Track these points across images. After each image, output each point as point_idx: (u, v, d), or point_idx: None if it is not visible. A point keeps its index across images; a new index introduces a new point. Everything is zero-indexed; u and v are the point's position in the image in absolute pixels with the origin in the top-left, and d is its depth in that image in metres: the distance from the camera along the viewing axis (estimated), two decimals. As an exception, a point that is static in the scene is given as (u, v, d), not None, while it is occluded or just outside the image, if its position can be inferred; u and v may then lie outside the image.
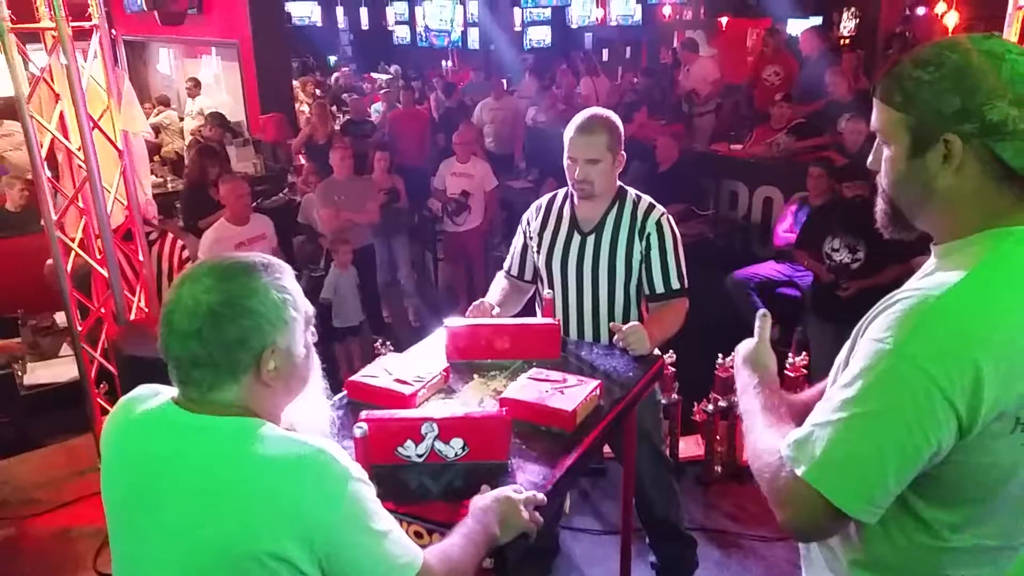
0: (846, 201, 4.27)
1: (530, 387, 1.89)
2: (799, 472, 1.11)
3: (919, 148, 1.14)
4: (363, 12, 15.40)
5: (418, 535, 1.48)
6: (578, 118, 2.47)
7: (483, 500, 1.45)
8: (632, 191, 2.60)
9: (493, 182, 5.95)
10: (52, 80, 3.51)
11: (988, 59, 1.09)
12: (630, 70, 11.22)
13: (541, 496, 1.51)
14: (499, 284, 2.71)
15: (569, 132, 2.46)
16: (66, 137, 3.54)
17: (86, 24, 3.46)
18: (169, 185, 7.11)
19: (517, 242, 2.74)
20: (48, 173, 3.51)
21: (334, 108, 9.39)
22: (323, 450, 1.17)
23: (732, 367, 3.56)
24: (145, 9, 7.94)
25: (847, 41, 11.16)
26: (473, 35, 12.62)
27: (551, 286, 2.60)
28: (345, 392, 1.96)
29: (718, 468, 3.65)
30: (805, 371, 3.53)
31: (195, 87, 9.31)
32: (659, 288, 2.53)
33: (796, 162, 5.65)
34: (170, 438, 1.20)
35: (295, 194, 6.49)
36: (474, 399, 1.95)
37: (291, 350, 1.24)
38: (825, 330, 4.08)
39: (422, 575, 1.21)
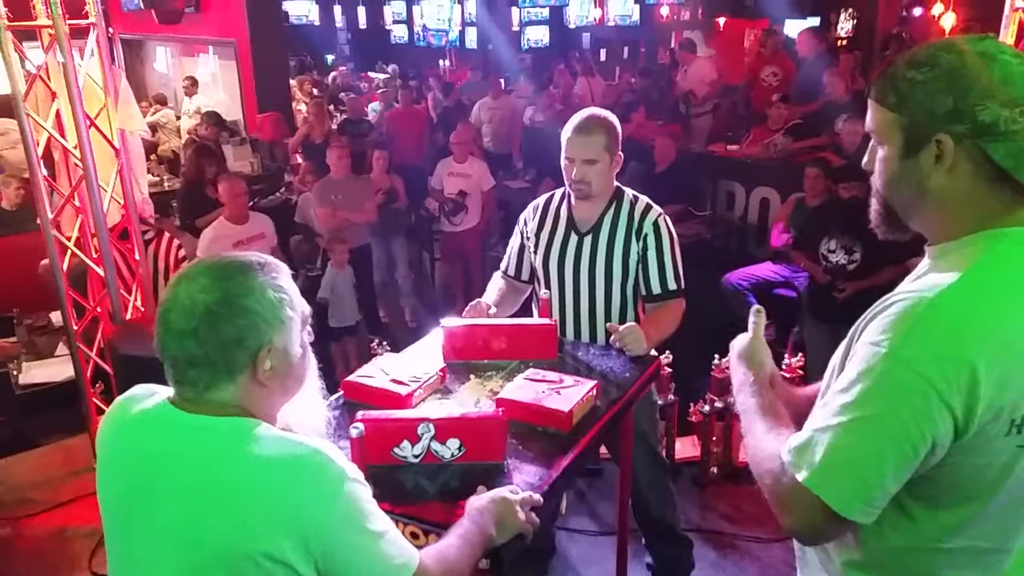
0: (843, 202, 4.27)
1: (527, 388, 1.89)
2: (800, 478, 1.12)
3: (912, 148, 1.15)
4: (361, 11, 15.40)
5: (414, 536, 1.48)
6: (575, 118, 2.47)
7: (479, 501, 1.45)
8: (629, 191, 2.60)
9: (490, 182, 5.95)
10: (49, 78, 3.50)
11: (981, 60, 1.09)
12: (628, 70, 11.21)
13: (537, 497, 1.51)
14: (496, 284, 2.71)
15: (566, 132, 2.46)
16: (62, 135, 3.53)
17: (83, 22, 3.45)
18: (166, 184, 7.10)
19: (514, 242, 2.74)
20: (44, 171, 3.51)
21: (331, 107, 9.38)
22: (319, 450, 1.17)
23: (728, 366, 3.58)
24: (142, 7, 7.93)
25: (844, 42, 11.18)
26: (471, 35, 12.62)
27: (548, 286, 2.60)
28: (341, 392, 1.95)
29: (714, 469, 3.66)
30: (801, 372, 3.54)
31: (192, 86, 9.30)
32: (656, 289, 2.53)
33: (793, 163, 5.66)
34: (166, 438, 1.20)
35: (292, 193, 6.48)
36: (470, 399, 1.95)
37: (287, 349, 1.24)
38: (821, 331, 4.08)
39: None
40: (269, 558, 1.11)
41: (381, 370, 1.98)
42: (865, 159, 1.25)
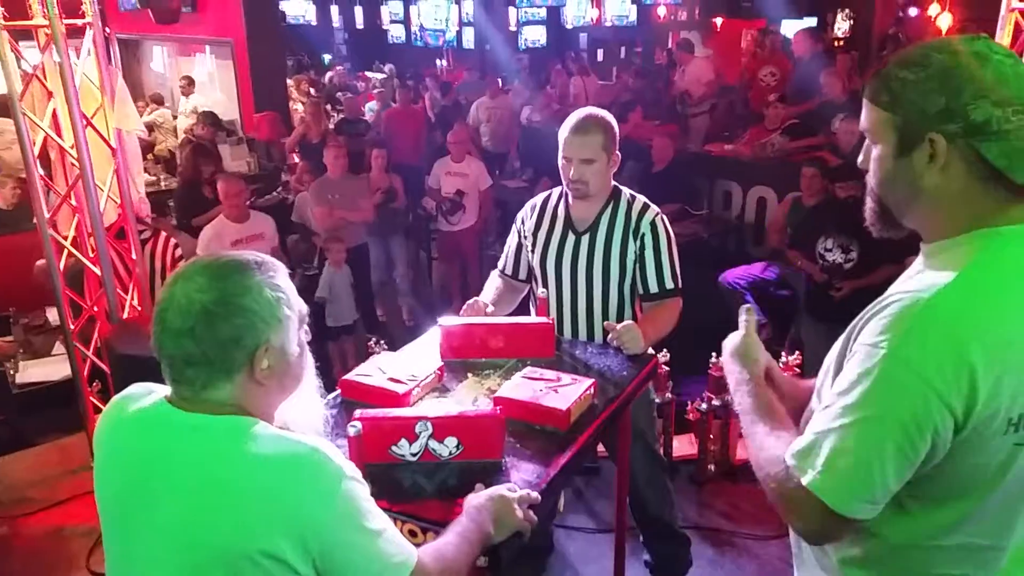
0: (839, 201, 4.28)
1: (524, 386, 1.89)
2: (804, 482, 1.13)
3: (905, 147, 1.15)
4: (358, 11, 15.41)
5: (412, 534, 1.48)
6: (573, 118, 2.47)
7: (477, 499, 1.45)
8: (626, 191, 2.60)
9: (488, 181, 5.95)
10: (45, 78, 3.50)
11: (973, 60, 1.10)
12: (625, 70, 11.22)
13: (535, 495, 1.52)
14: (493, 283, 2.71)
15: (564, 132, 2.47)
16: (59, 135, 3.53)
17: (79, 22, 3.45)
18: (162, 183, 7.08)
19: (511, 241, 2.74)
20: (41, 171, 3.50)
21: (328, 107, 9.37)
22: (317, 449, 1.17)
23: (722, 368, 3.58)
24: (139, 7, 7.91)
25: (841, 43, 11.20)
26: (468, 35, 12.64)
27: (545, 285, 2.60)
28: (339, 391, 1.95)
29: (711, 467, 3.66)
30: (798, 370, 3.54)
31: (189, 85, 9.29)
32: (653, 288, 2.53)
33: (790, 162, 5.67)
34: (163, 437, 1.20)
35: (289, 193, 6.47)
36: (468, 398, 1.95)
37: (285, 348, 1.24)
38: (818, 330, 4.09)
39: (416, 574, 1.21)
40: (267, 557, 1.11)
41: (379, 369, 1.98)
42: (860, 158, 1.26)
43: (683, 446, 3.76)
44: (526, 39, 12.24)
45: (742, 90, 8.13)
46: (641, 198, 2.59)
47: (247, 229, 4.56)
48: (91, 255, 3.64)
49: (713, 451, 3.65)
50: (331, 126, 7.78)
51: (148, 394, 1.27)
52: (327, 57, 15.78)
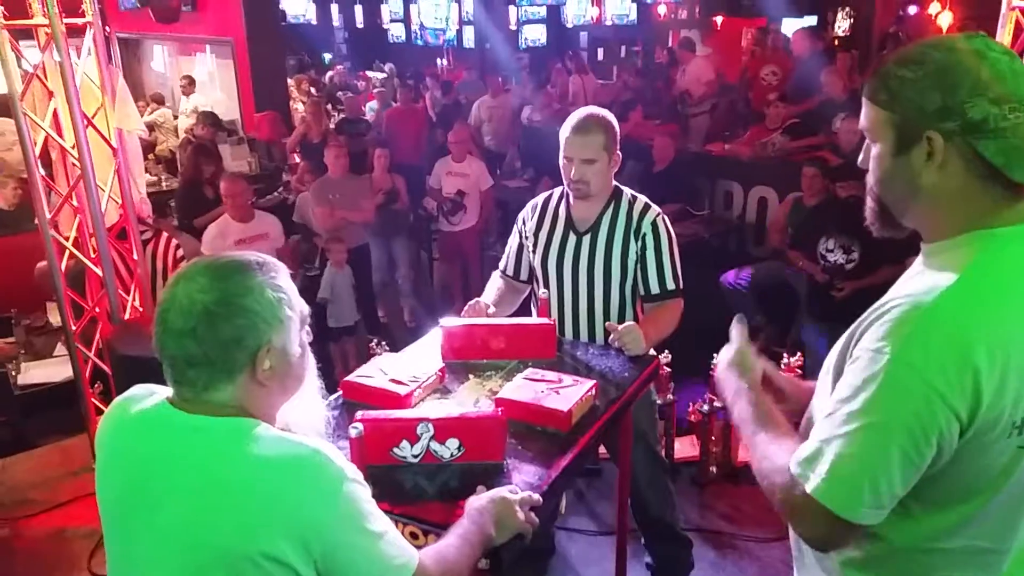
0: (840, 201, 4.28)
1: (526, 387, 1.89)
2: (808, 489, 1.13)
3: (904, 145, 1.15)
4: (358, 10, 15.41)
5: (414, 536, 1.48)
6: (574, 118, 2.47)
7: (479, 501, 1.45)
8: (628, 191, 2.60)
9: (489, 181, 5.94)
10: (46, 77, 3.50)
11: (970, 58, 1.10)
12: (625, 69, 11.22)
13: (537, 497, 1.51)
14: (495, 284, 2.71)
15: (565, 132, 2.46)
16: (60, 135, 3.53)
17: (79, 21, 3.45)
18: (163, 183, 7.08)
19: (513, 242, 2.74)
20: (42, 171, 3.50)
21: (329, 106, 9.37)
22: (318, 451, 1.16)
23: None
24: (139, 6, 7.91)
25: (841, 41, 11.19)
26: (468, 33, 12.63)
27: (547, 286, 2.60)
28: (341, 392, 1.95)
29: (713, 469, 3.66)
30: (800, 371, 3.54)
31: (189, 85, 9.28)
32: (654, 288, 2.53)
33: (791, 162, 5.66)
34: (165, 438, 1.20)
35: (289, 193, 6.47)
36: (470, 399, 1.95)
37: (286, 349, 1.24)
38: (820, 331, 4.09)
39: (418, 576, 1.21)
40: (268, 558, 1.11)
41: (380, 370, 1.98)
42: (860, 157, 1.26)
43: (685, 448, 3.76)
44: (526, 38, 12.23)
45: (742, 89, 8.12)
46: (642, 198, 2.59)
47: (251, 229, 4.57)
48: (92, 256, 3.64)
49: (715, 453, 3.65)
50: (332, 126, 7.78)
51: (150, 395, 1.27)
52: (327, 56, 15.78)
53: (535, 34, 12.24)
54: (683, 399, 3.76)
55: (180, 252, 4.41)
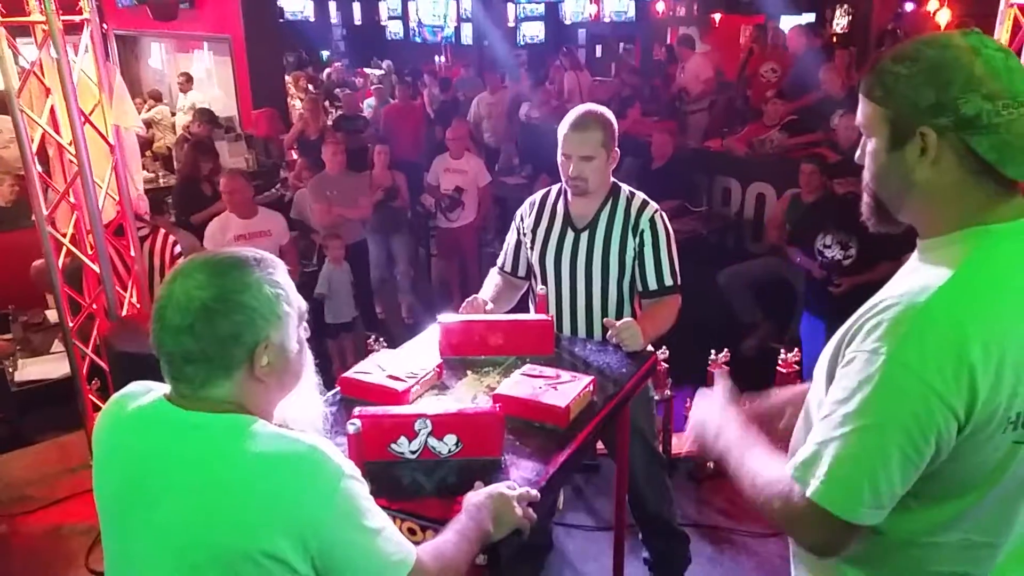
0: (838, 198, 4.29)
1: (523, 383, 1.89)
2: (808, 492, 1.13)
3: (898, 141, 1.16)
4: (356, 7, 15.40)
5: (411, 532, 1.49)
6: (572, 115, 2.47)
7: (476, 496, 1.45)
8: (626, 188, 2.60)
9: (487, 178, 5.94)
10: (43, 74, 3.49)
11: (964, 54, 1.10)
12: (624, 66, 11.22)
13: (534, 492, 1.52)
14: (492, 280, 2.71)
15: (563, 129, 2.46)
16: (57, 132, 3.52)
17: (77, 18, 3.43)
18: (161, 180, 7.08)
19: (511, 238, 2.74)
20: (39, 168, 3.49)
21: (326, 103, 9.35)
22: (316, 447, 1.16)
23: (720, 366, 3.57)
24: (136, 3, 7.89)
25: (839, 38, 11.18)
26: (466, 30, 12.62)
27: (544, 282, 2.60)
28: (338, 388, 1.95)
29: (710, 465, 3.66)
30: (797, 367, 3.55)
31: (187, 82, 9.27)
32: (652, 285, 2.53)
33: (789, 159, 5.66)
34: (162, 435, 1.20)
35: (287, 189, 6.47)
36: (467, 395, 1.95)
37: (284, 345, 1.23)
38: (817, 327, 4.09)
39: (415, 572, 1.21)
40: (266, 556, 1.11)
41: (378, 366, 1.98)
42: (857, 153, 1.26)
43: (682, 443, 3.76)
44: (524, 35, 12.23)
45: (740, 86, 8.11)
46: (640, 195, 2.59)
47: (253, 225, 4.56)
48: (90, 252, 3.63)
49: (712, 448, 3.64)
50: (329, 122, 7.77)
51: (147, 392, 1.27)
52: (325, 53, 15.76)
53: (533, 31, 12.25)
54: (681, 395, 3.76)
55: (177, 249, 4.40)
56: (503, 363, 2.10)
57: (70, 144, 3.41)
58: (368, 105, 9.43)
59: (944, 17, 8.89)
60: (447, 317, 2.21)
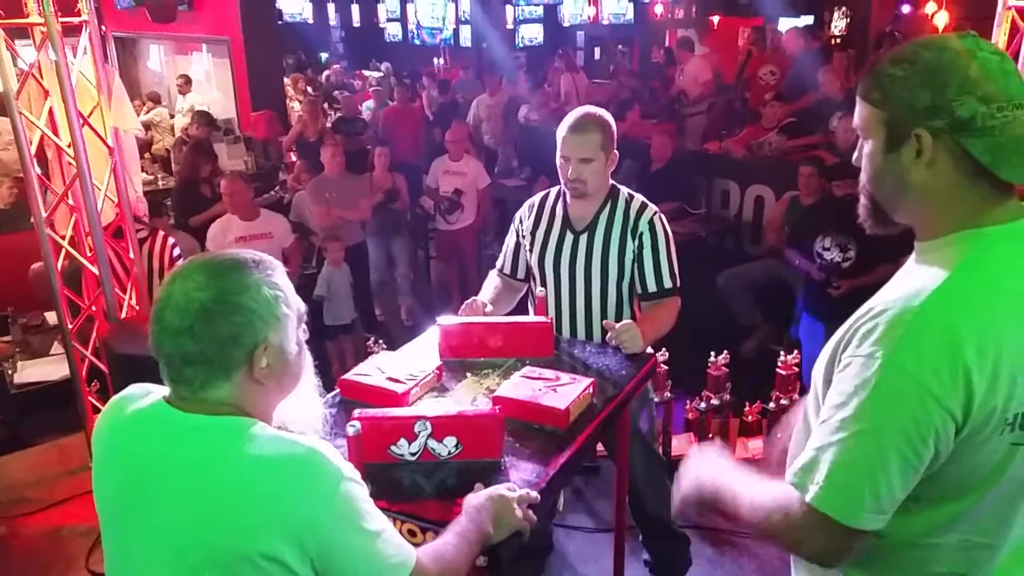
0: (837, 200, 4.29)
1: (523, 385, 1.89)
2: (808, 498, 1.13)
3: (894, 143, 1.16)
4: (354, 9, 15.39)
5: (411, 534, 1.49)
6: (571, 117, 2.47)
7: (476, 498, 1.45)
8: (625, 190, 2.60)
9: (486, 180, 5.94)
10: (41, 76, 3.49)
11: (960, 57, 1.11)
12: (622, 68, 11.22)
13: (534, 494, 1.52)
14: (492, 282, 2.71)
15: (562, 131, 2.46)
16: (56, 134, 3.52)
17: (75, 20, 3.43)
18: (160, 182, 7.08)
19: (510, 240, 2.74)
20: (38, 170, 3.49)
21: (325, 105, 9.36)
22: (315, 450, 1.16)
23: (721, 367, 3.57)
24: (135, 5, 7.89)
25: (838, 40, 11.20)
26: (465, 33, 12.62)
27: (544, 285, 2.60)
28: (338, 390, 1.95)
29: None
30: (796, 369, 3.55)
31: (186, 84, 9.27)
32: (651, 287, 2.53)
33: (787, 161, 5.66)
34: (161, 438, 1.20)
35: (286, 192, 6.47)
36: (467, 397, 1.95)
37: (283, 347, 1.23)
38: (816, 329, 4.09)
39: (415, 574, 1.21)
40: (265, 558, 1.11)
41: (377, 368, 1.98)
42: (855, 155, 1.27)
43: (682, 445, 3.76)
44: (523, 37, 12.23)
45: (739, 88, 8.12)
46: (639, 197, 2.59)
47: (254, 227, 4.57)
48: (89, 254, 3.63)
49: (712, 450, 3.65)
50: (328, 125, 7.78)
51: (146, 395, 1.27)
52: (324, 55, 15.77)
53: (532, 33, 12.23)
54: (680, 397, 3.77)
55: (176, 251, 4.40)
56: (502, 365, 2.10)
57: (69, 146, 3.41)
58: (367, 107, 9.44)
59: (942, 19, 8.90)
60: (446, 319, 2.21)
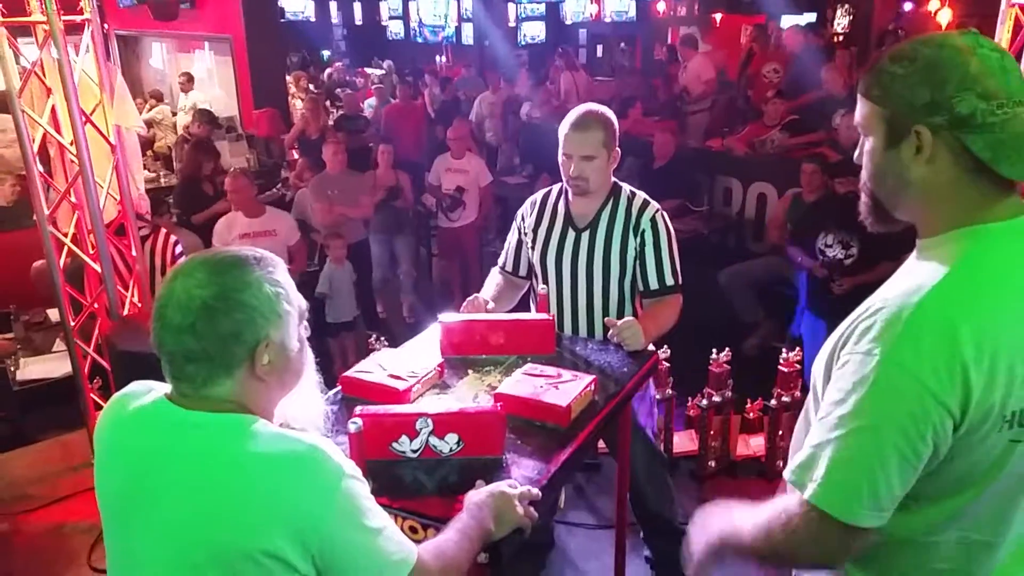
0: (839, 197, 4.28)
1: (525, 382, 1.89)
2: (806, 496, 1.13)
3: (894, 140, 1.16)
4: (356, 7, 15.41)
5: (413, 530, 1.49)
6: (573, 114, 2.47)
7: (478, 495, 1.45)
8: (627, 187, 2.60)
9: (488, 178, 5.94)
10: (44, 74, 3.49)
11: (960, 54, 1.11)
12: (622, 66, 11.21)
13: (536, 491, 1.52)
14: (494, 280, 2.71)
15: (564, 128, 2.46)
16: (58, 132, 3.52)
17: (78, 18, 3.44)
18: (162, 180, 7.08)
19: (512, 238, 2.74)
20: (40, 168, 3.50)
21: (327, 103, 9.35)
22: (316, 447, 1.17)
23: (723, 364, 3.57)
24: (137, 3, 7.90)
25: (840, 38, 11.19)
26: (467, 30, 12.63)
27: (546, 282, 2.60)
28: (340, 387, 1.95)
29: (712, 463, 3.66)
30: (799, 366, 3.55)
31: (188, 82, 9.27)
32: (653, 284, 2.53)
33: (790, 158, 5.66)
34: (163, 435, 1.20)
35: (288, 189, 6.47)
36: (469, 394, 1.95)
37: (285, 344, 1.24)
38: (818, 326, 4.09)
39: (416, 571, 1.21)
40: (267, 555, 1.11)
41: (379, 365, 1.98)
42: (856, 152, 1.27)
43: (683, 442, 3.77)
44: (525, 35, 12.24)
45: (741, 86, 8.11)
46: (641, 194, 2.59)
47: (259, 224, 4.57)
48: (91, 252, 3.63)
49: (714, 447, 3.65)
50: (330, 122, 7.78)
51: (148, 392, 1.27)
52: (326, 53, 15.77)
53: (534, 31, 12.25)
54: (682, 394, 3.77)
55: (178, 248, 4.41)
56: (504, 362, 2.10)
57: (71, 144, 3.41)
58: (369, 105, 9.44)
59: (945, 17, 8.89)
60: (448, 316, 2.21)
